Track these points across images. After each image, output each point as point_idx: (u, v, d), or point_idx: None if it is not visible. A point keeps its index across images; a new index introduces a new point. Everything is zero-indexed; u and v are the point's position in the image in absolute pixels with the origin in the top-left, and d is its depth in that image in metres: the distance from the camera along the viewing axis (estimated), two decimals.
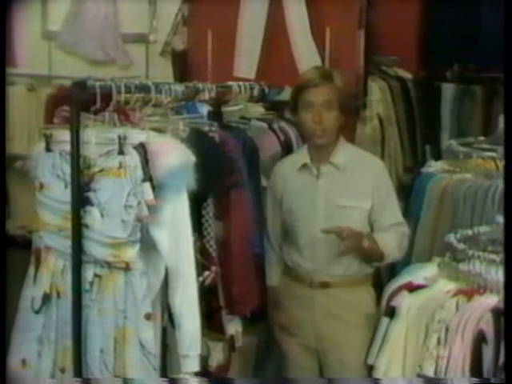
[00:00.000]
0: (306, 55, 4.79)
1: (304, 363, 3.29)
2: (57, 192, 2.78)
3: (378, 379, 2.49)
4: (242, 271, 2.89)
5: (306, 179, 3.26)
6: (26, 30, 6.21)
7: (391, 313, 2.50)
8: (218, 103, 3.30)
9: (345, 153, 3.27)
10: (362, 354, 2.99)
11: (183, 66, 5.39)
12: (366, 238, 3.14)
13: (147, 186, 2.61)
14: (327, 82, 3.22)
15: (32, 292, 2.85)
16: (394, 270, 3.37)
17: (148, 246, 2.68)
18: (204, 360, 2.79)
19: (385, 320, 2.56)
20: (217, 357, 2.85)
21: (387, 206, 3.23)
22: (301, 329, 3.26)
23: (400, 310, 2.47)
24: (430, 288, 2.51)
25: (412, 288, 2.53)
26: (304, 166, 3.27)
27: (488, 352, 2.21)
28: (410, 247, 3.51)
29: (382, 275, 3.58)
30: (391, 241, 3.20)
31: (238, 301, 2.85)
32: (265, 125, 3.63)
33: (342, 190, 3.20)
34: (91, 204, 2.70)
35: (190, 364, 2.70)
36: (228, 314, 2.86)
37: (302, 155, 3.32)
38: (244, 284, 2.88)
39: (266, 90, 3.51)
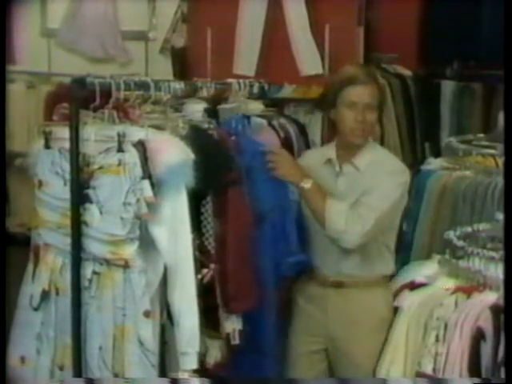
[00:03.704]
0: (305, 52, 4.80)
1: (312, 364, 3.26)
2: (56, 189, 2.78)
3: (381, 379, 2.48)
4: (240, 269, 2.88)
5: (328, 175, 3.21)
6: (26, 28, 6.22)
7: (394, 312, 2.50)
8: (217, 101, 3.30)
9: (370, 155, 3.18)
10: (371, 357, 2.96)
11: (183, 63, 5.40)
12: (313, 188, 3.04)
13: (146, 183, 2.62)
14: (372, 81, 3.18)
15: (31, 289, 2.85)
16: None
17: (147, 243, 2.68)
18: (202, 357, 2.79)
19: None
20: (214, 354, 2.84)
21: (375, 194, 3.07)
22: (312, 328, 3.23)
23: (402, 309, 2.47)
24: (431, 286, 2.50)
25: (414, 287, 2.53)
26: (329, 161, 3.24)
27: (486, 349, 2.21)
28: (409, 245, 3.51)
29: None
30: (340, 209, 3.04)
31: (234, 299, 2.84)
32: (264, 121, 3.63)
33: (358, 192, 3.15)
34: (90, 201, 2.70)
35: (189, 361, 2.70)
36: (225, 312, 2.85)
37: (329, 150, 3.26)
38: (242, 282, 2.88)
39: (266, 87, 3.50)
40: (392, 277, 3.19)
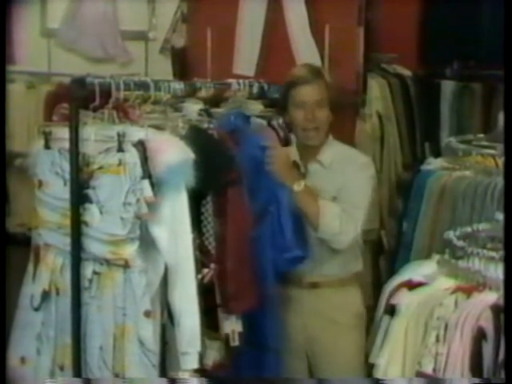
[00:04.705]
0: (305, 52, 4.78)
1: (293, 367, 3.24)
2: (56, 189, 2.78)
3: (376, 379, 2.48)
4: (240, 269, 2.88)
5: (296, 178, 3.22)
6: (26, 28, 6.20)
7: (391, 311, 2.50)
8: (217, 101, 3.30)
9: (332, 151, 3.25)
10: (352, 354, 2.98)
11: (182, 63, 5.38)
12: (306, 190, 3.05)
13: (146, 183, 2.62)
14: (318, 79, 3.21)
15: (31, 289, 2.85)
16: (393, 267, 3.36)
17: (147, 243, 2.68)
18: (200, 358, 2.78)
19: (385, 318, 2.56)
20: (213, 355, 2.84)
21: (354, 191, 3.13)
22: (290, 331, 3.22)
23: (400, 308, 2.47)
24: (430, 285, 2.50)
25: (412, 286, 2.53)
26: (293, 163, 3.24)
27: (487, 349, 2.21)
28: (409, 245, 3.51)
29: (382, 273, 3.57)
30: (334, 211, 3.07)
31: (235, 299, 2.84)
32: (264, 122, 3.62)
33: (327, 188, 3.17)
34: (90, 201, 2.70)
35: (189, 361, 2.71)
36: (224, 313, 2.85)
37: (291, 153, 3.29)
38: (242, 282, 2.88)
39: (266, 87, 3.50)
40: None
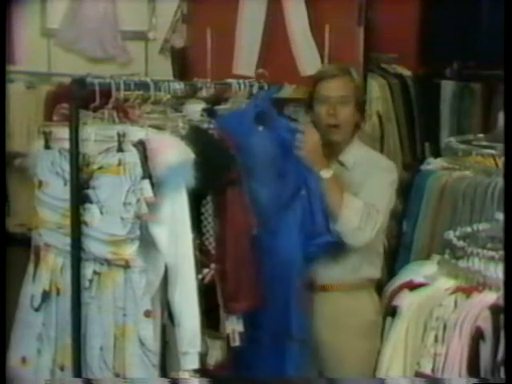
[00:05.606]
0: (305, 52, 4.80)
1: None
2: (56, 189, 2.78)
3: (380, 379, 2.48)
4: (240, 269, 2.88)
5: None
6: (26, 28, 6.21)
7: (393, 312, 2.50)
8: (217, 101, 3.30)
9: (356, 152, 3.17)
10: (360, 362, 2.94)
11: (182, 63, 5.39)
12: (332, 179, 3.00)
13: (146, 183, 2.62)
14: (345, 75, 3.16)
15: (31, 289, 2.85)
16: (393, 268, 3.37)
17: (147, 243, 2.68)
18: (203, 358, 2.78)
19: (387, 319, 2.56)
20: (215, 355, 2.84)
21: (374, 194, 3.07)
22: None
23: (401, 309, 2.47)
24: (430, 286, 2.50)
25: (413, 286, 2.53)
26: None
27: (486, 349, 2.21)
28: (409, 245, 3.52)
29: (382, 274, 3.55)
30: (357, 206, 3.00)
31: (235, 299, 2.84)
32: None
33: (350, 190, 3.13)
34: (90, 201, 2.70)
35: (190, 361, 2.70)
36: (225, 313, 2.85)
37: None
38: (242, 282, 2.87)
39: (266, 87, 3.50)
40: (379, 280, 3.18)
